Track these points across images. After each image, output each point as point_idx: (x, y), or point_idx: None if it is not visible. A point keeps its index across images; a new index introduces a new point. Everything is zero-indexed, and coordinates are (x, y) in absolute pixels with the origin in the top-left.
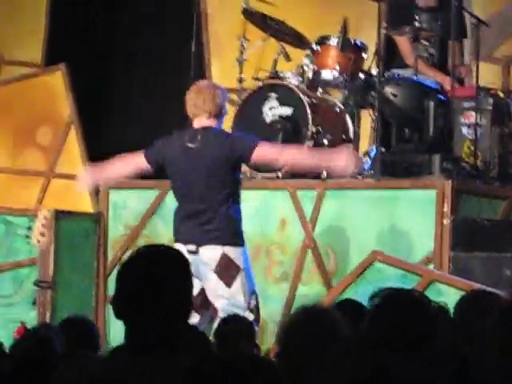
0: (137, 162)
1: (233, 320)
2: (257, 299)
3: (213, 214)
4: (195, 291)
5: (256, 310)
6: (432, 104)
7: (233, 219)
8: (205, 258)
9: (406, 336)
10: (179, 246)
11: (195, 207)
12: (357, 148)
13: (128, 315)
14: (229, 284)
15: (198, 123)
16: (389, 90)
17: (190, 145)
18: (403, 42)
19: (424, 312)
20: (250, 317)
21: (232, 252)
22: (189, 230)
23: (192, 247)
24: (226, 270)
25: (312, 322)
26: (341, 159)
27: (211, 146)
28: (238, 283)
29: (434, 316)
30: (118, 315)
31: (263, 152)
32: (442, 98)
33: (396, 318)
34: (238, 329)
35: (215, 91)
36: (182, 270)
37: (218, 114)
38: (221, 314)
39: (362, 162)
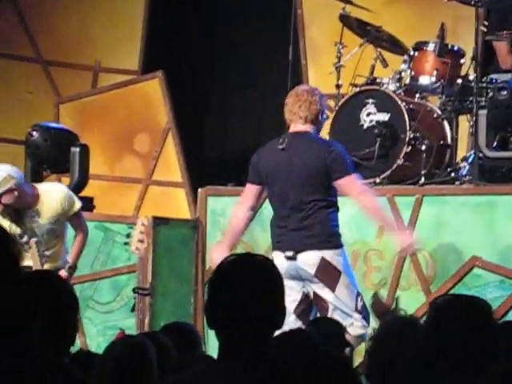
0: (249, 194)
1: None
2: (362, 299)
3: (309, 219)
4: (294, 303)
5: (364, 310)
6: None
7: (329, 223)
8: (303, 264)
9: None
10: (277, 254)
11: (292, 213)
12: (455, 154)
13: (219, 326)
14: (333, 288)
15: (293, 128)
16: (501, 96)
17: (281, 147)
18: (501, 47)
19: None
20: (357, 318)
21: (330, 255)
22: (286, 237)
23: (290, 253)
24: (328, 274)
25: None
26: (403, 236)
27: (305, 151)
28: (341, 286)
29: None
30: (211, 325)
31: (348, 187)
32: None
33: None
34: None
35: (312, 97)
36: (274, 280)
37: (315, 120)
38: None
39: (414, 250)
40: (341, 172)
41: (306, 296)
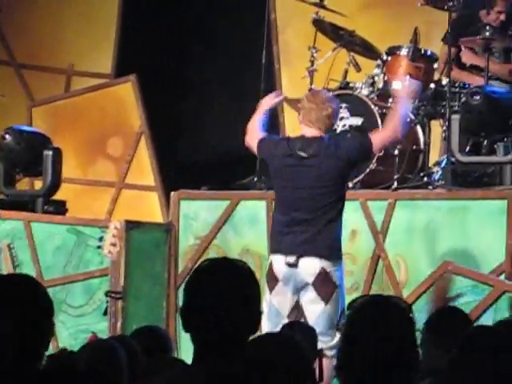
0: (254, 136)
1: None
2: (345, 317)
3: (318, 225)
4: (288, 307)
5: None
6: None
7: (335, 233)
8: (303, 271)
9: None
10: (278, 257)
11: (301, 217)
12: (428, 158)
13: (195, 329)
14: (326, 300)
15: (309, 132)
16: (474, 101)
17: (302, 154)
18: (462, 53)
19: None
20: (337, 335)
21: (330, 267)
22: (291, 241)
23: (292, 259)
24: (324, 286)
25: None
26: (403, 103)
27: (324, 157)
28: (333, 301)
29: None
30: (186, 329)
31: (380, 140)
32: None
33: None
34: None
35: (331, 108)
36: (250, 283)
37: (330, 128)
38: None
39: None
40: (366, 151)
41: (297, 303)
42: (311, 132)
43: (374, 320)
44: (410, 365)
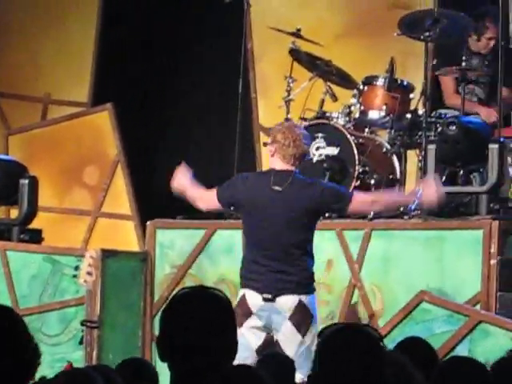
0: (209, 197)
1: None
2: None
3: (292, 261)
4: (258, 343)
5: None
6: (496, 147)
7: (309, 267)
8: (280, 306)
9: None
10: (252, 293)
11: (274, 253)
12: (403, 188)
13: (172, 359)
14: (303, 333)
15: (280, 166)
16: (451, 131)
17: (277, 188)
18: (448, 84)
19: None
20: None
21: (307, 300)
22: (265, 278)
23: (268, 296)
24: (301, 318)
25: None
26: (430, 190)
27: (299, 192)
28: (311, 332)
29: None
30: (163, 358)
31: (359, 207)
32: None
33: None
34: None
35: (306, 146)
36: (226, 312)
37: (301, 160)
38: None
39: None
40: (343, 201)
41: (269, 338)
42: (283, 166)
43: (342, 349)
44: None
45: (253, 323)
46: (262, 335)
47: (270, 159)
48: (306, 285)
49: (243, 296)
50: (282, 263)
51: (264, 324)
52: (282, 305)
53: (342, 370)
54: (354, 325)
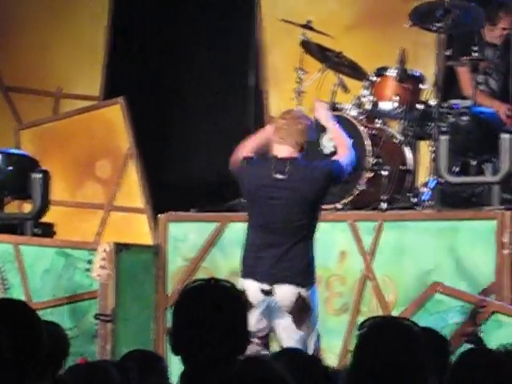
0: (236, 158)
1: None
2: (319, 338)
3: (292, 249)
4: (263, 331)
5: (317, 352)
6: (508, 137)
7: (310, 257)
8: (280, 299)
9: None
10: (251, 284)
11: (275, 240)
12: (415, 179)
13: (184, 351)
14: (300, 327)
15: (281, 152)
16: (462, 122)
17: (279, 176)
18: (464, 74)
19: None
20: None
21: (307, 293)
22: (264, 267)
23: (266, 286)
24: (300, 313)
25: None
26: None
27: (301, 179)
28: (308, 326)
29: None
30: (175, 350)
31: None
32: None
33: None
34: None
35: (303, 123)
36: (238, 304)
37: (303, 147)
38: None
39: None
40: (341, 173)
41: (269, 327)
42: (283, 150)
43: (383, 343)
44: None
45: (254, 314)
46: (266, 324)
47: (273, 146)
48: (305, 276)
49: (242, 288)
50: (281, 251)
51: (265, 315)
52: (282, 297)
53: (383, 365)
54: (394, 319)
